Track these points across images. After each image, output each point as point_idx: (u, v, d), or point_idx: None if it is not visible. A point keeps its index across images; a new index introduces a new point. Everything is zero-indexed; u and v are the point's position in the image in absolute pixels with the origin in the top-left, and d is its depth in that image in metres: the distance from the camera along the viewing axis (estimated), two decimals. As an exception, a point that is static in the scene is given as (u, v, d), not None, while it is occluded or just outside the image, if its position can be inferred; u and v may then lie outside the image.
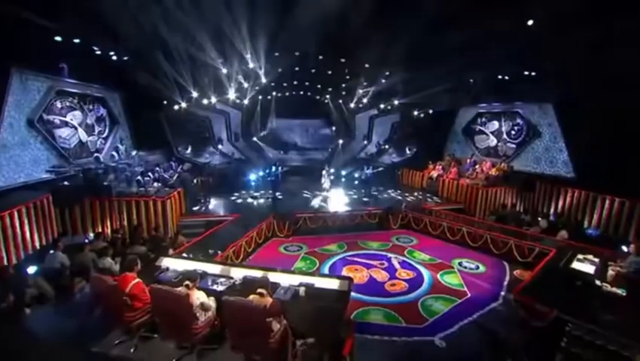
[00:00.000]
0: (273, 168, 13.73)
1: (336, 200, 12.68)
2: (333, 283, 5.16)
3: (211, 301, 4.47)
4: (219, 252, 7.73)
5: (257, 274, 5.32)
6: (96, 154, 10.60)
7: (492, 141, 15.36)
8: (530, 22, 9.92)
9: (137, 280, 4.41)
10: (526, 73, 12.23)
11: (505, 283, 7.87)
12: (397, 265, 8.60)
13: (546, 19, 9.64)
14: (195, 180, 12.19)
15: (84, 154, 10.80)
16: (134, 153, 12.30)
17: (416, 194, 14.09)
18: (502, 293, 7.21)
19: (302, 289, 4.84)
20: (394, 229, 11.13)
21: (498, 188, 12.62)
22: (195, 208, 11.53)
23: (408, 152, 18.10)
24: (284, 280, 5.19)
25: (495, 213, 11.29)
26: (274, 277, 5.29)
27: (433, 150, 16.37)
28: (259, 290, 4.21)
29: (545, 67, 11.01)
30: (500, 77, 13.52)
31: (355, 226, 10.93)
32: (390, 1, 11.60)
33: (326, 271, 8.42)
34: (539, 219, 10.34)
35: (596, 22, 8.27)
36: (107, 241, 8.10)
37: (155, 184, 10.60)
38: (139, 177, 10.19)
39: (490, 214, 11.54)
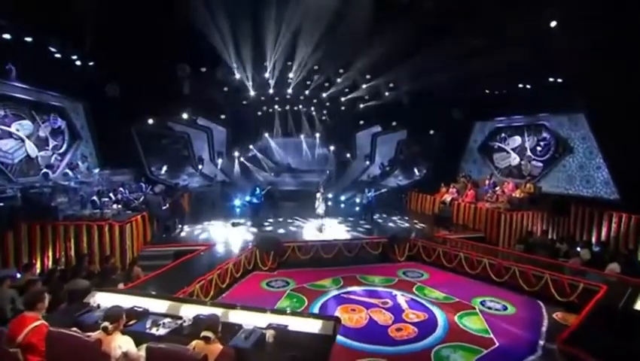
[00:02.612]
0: (257, 190, 13.36)
1: (333, 228, 12.40)
2: (313, 326, 4.27)
3: (142, 351, 3.53)
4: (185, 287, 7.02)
5: (215, 312, 4.38)
6: (44, 170, 9.89)
7: (514, 159, 15.10)
8: (553, 24, 9.60)
9: (40, 322, 3.52)
10: (551, 79, 11.81)
11: (543, 328, 7.04)
12: (404, 305, 7.98)
13: (572, 16, 9.30)
14: (166, 204, 11.41)
15: (32, 171, 10.20)
16: (95, 171, 11.73)
17: (425, 221, 13.75)
18: (541, 342, 6.48)
19: (270, 333, 3.93)
20: (401, 262, 10.63)
21: (523, 212, 12.07)
22: (163, 236, 10.99)
23: (417, 173, 18.12)
24: (249, 320, 4.34)
25: (523, 242, 10.67)
26: (236, 316, 4.44)
27: (445, 170, 16.10)
28: (204, 333, 3.35)
29: (573, 71, 10.55)
30: (521, 85, 13.19)
31: (354, 258, 10.48)
32: (392, 1, 11.51)
33: (316, 311, 7.73)
34: (578, 249, 9.62)
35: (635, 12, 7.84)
36: (44, 275, 7.21)
37: (115, 206, 9.94)
38: (95, 198, 9.41)
39: (517, 243, 10.96)
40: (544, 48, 10.23)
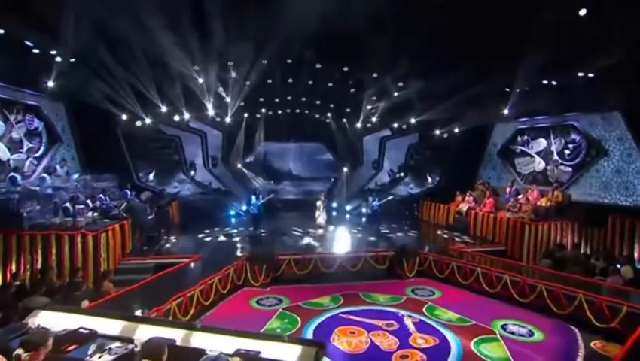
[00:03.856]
0: (253, 199, 13.11)
1: (335, 239, 12.31)
2: (291, 352, 3.68)
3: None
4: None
5: (174, 333, 3.90)
6: (11, 174, 9.60)
7: (539, 164, 14.59)
8: (583, 12, 9.13)
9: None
10: (581, 74, 11.27)
11: (579, 360, 6.44)
12: (411, 327, 7.53)
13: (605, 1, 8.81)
14: (151, 212, 11.27)
15: (2, 175, 9.83)
16: (75, 176, 11.50)
17: (439, 232, 13.69)
18: (577, 377, 5.92)
19: (236, 361, 3.35)
20: (410, 278, 10.26)
21: (551, 223, 11.64)
22: (144, 248, 10.74)
23: (429, 181, 17.84)
24: (214, 344, 3.83)
25: (551, 256, 10.09)
26: (198, 339, 3.93)
27: (461, 177, 15.88)
28: (144, 362, 2.80)
29: (606, 64, 9.96)
30: (545, 81, 12.70)
31: (357, 273, 10.16)
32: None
33: (309, 334, 7.31)
34: (618, 266, 8.91)
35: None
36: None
37: (90, 214, 9.60)
38: (67, 205, 9.08)
39: (543, 257, 10.41)
40: (572, 38, 9.70)
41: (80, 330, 4.17)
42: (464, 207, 13.95)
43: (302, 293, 9.05)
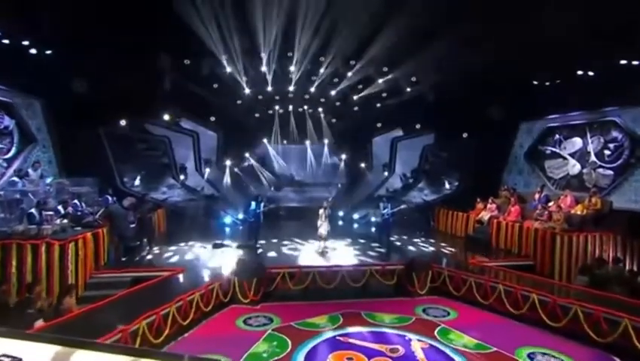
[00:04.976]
0: (253, 205, 12.79)
1: (338, 251, 12.14)
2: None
3: None
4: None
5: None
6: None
7: (574, 167, 14.36)
8: None
9: None
10: (623, 61, 11.03)
11: None
12: (419, 354, 7.14)
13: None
14: (133, 220, 11.08)
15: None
16: (49, 180, 11.29)
17: (456, 245, 13.56)
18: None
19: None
20: (421, 295, 9.97)
21: (587, 234, 11.15)
22: (123, 259, 10.51)
23: (447, 187, 17.65)
24: None
25: (589, 273, 9.61)
26: None
27: (483, 183, 15.61)
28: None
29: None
30: (580, 71, 12.49)
31: (361, 290, 9.97)
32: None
33: (300, 359, 6.94)
34: None
35: None
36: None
37: (59, 221, 9.27)
38: (33, 210, 8.85)
39: (579, 274, 9.91)
40: (610, 18, 9.20)
41: (3, 358, 3.70)
42: (485, 215, 13.68)
43: (296, 312, 8.83)
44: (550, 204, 12.98)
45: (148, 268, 9.97)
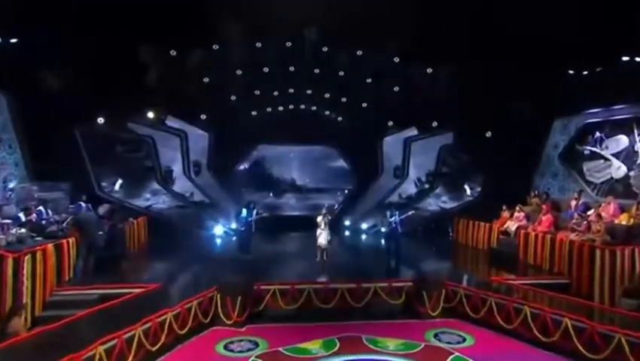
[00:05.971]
0: (244, 212, 12.91)
1: (339, 265, 12.13)
2: None
3: None
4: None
5: None
6: None
7: (618, 169, 14.08)
8: None
9: None
10: None
11: None
12: None
13: None
14: (104, 229, 10.98)
15: None
16: (12, 184, 11.42)
17: (478, 259, 13.67)
18: None
19: None
20: (432, 317, 9.81)
21: (635, 248, 10.77)
22: (93, 273, 10.40)
23: (468, 193, 17.78)
24: None
25: (635, 295, 9.48)
26: None
27: (510, 188, 15.56)
28: None
29: None
30: (626, 57, 12.47)
31: (363, 310, 9.84)
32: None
33: None
34: None
35: None
36: None
37: (14, 231, 9.12)
38: None
39: (624, 296, 9.72)
40: None
41: None
42: (512, 226, 13.51)
43: (286, 335, 8.78)
44: (590, 212, 12.67)
45: (119, 285, 9.81)
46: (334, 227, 16.16)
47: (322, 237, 12.10)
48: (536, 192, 15.34)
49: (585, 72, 13.80)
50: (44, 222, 10.44)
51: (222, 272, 11.32)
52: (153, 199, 15.94)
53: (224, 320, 9.03)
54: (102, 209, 12.26)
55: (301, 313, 9.55)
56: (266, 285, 9.72)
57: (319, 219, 12.39)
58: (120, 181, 15.24)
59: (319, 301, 9.62)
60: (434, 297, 9.86)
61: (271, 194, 18.76)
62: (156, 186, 16.18)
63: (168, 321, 7.97)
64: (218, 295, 9.26)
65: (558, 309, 8.57)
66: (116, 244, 11.19)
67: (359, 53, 15.78)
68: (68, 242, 9.89)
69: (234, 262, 12.22)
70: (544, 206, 13.73)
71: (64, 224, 10.63)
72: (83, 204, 12.33)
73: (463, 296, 9.77)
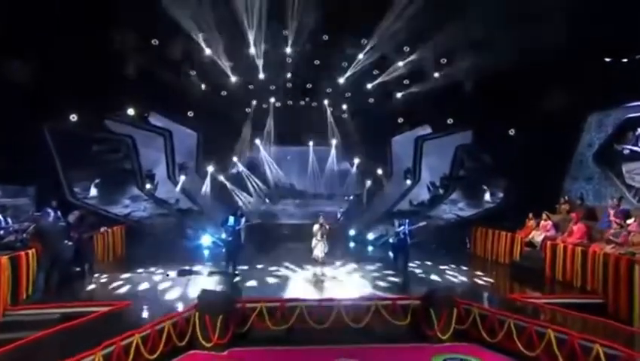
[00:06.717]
0: (230, 220, 12.81)
1: (338, 279, 12.24)
2: None
3: None
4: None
5: None
6: None
7: None
8: None
9: None
10: None
11: None
12: None
13: None
14: (72, 239, 10.90)
15: None
16: None
17: (497, 274, 13.51)
18: None
19: None
20: (442, 341, 9.68)
21: None
22: (57, 290, 10.27)
23: (487, 199, 17.73)
24: None
25: None
26: None
27: (536, 193, 15.49)
28: None
29: None
30: None
31: (363, 331, 9.76)
32: None
33: None
34: None
35: None
36: None
37: None
38: None
39: None
40: None
41: None
42: (538, 236, 13.44)
43: (275, 360, 8.91)
44: (630, 221, 12.41)
45: (85, 302, 9.75)
46: (340, 237, 16.32)
47: (318, 248, 12.39)
48: (566, 197, 15.22)
49: (625, 60, 13.55)
50: (1, 231, 10.36)
51: (204, 287, 11.04)
52: (133, 206, 15.94)
53: (203, 342, 8.92)
54: (72, 216, 12.16)
55: (292, 334, 9.51)
56: (251, 302, 9.62)
57: (315, 228, 12.67)
58: (95, 185, 15.26)
59: (312, 320, 9.52)
60: (443, 317, 9.73)
61: (267, 200, 18.76)
62: (136, 191, 16.21)
63: (134, 344, 7.72)
64: (197, 314, 9.09)
65: (589, 334, 8.24)
66: (85, 256, 11.13)
67: (364, 41, 15.72)
68: (27, 254, 9.76)
69: (218, 276, 12.26)
70: (574, 214, 13.62)
71: (24, 234, 10.51)
72: (51, 210, 12.18)
73: (477, 317, 9.57)
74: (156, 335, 8.27)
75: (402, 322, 9.87)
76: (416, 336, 9.81)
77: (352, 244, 17.03)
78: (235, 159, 18.05)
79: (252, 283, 11.74)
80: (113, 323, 8.71)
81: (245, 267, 12.92)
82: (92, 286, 11.02)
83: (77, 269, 11.11)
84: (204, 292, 10.01)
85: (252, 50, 15.63)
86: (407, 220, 12.98)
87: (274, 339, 9.43)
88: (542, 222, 13.79)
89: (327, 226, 12.63)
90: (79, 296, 10.38)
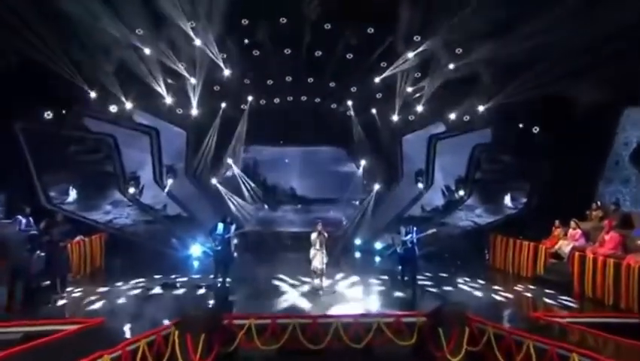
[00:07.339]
0: (220, 227, 12.79)
1: (338, 293, 12.32)
2: None
3: None
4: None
5: None
6: None
7: None
8: None
9: None
10: None
11: None
12: None
13: None
14: (42, 248, 10.89)
15: None
16: None
17: (519, 288, 13.38)
18: None
19: None
20: None
21: None
22: (21, 306, 10.17)
23: (509, 204, 17.84)
24: None
25: None
26: None
27: (564, 198, 15.49)
28: None
29: None
30: None
31: (363, 352, 9.68)
32: None
33: None
34: None
35: None
36: None
37: None
38: None
39: None
40: None
41: None
42: (566, 246, 13.39)
43: None
44: None
45: (52, 320, 9.60)
46: (345, 246, 16.49)
47: (317, 259, 12.13)
48: (598, 203, 14.98)
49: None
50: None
51: (188, 302, 11.23)
52: (115, 212, 16.06)
53: (183, 364, 8.91)
54: (44, 223, 12.06)
55: (284, 355, 9.47)
56: (239, 318, 9.64)
57: (313, 236, 12.63)
58: (73, 190, 15.34)
59: (307, 340, 9.46)
60: (454, 337, 9.46)
61: (265, 206, 18.85)
62: (118, 195, 16.29)
63: (105, 367, 7.82)
64: (176, 332, 8.90)
65: (621, 359, 7.99)
66: (56, 268, 11.06)
67: (369, 31, 15.70)
68: (-2, 266, 9.74)
69: (205, 289, 12.32)
70: (607, 221, 13.31)
71: (-10, 243, 10.47)
72: (22, 218, 12.22)
73: (492, 337, 9.25)
74: (128, 356, 8.01)
75: (407, 342, 9.73)
76: (423, 358, 9.69)
77: (357, 255, 17.01)
78: (229, 160, 18.05)
79: (240, 296, 11.78)
80: (82, 342, 8.47)
81: (236, 279, 12.90)
82: (63, 302, 10.92)
83: (48, 283, 10.96)
84: (186, 307, 9.91)
85: (245, 39, 15.79)
86: (415, 228, 12.88)
87: (263, 360, 9.46)
88: (570, 231, 13.73)
89: (326, 234, 12.57)
90: (47, 313, 10.20)
